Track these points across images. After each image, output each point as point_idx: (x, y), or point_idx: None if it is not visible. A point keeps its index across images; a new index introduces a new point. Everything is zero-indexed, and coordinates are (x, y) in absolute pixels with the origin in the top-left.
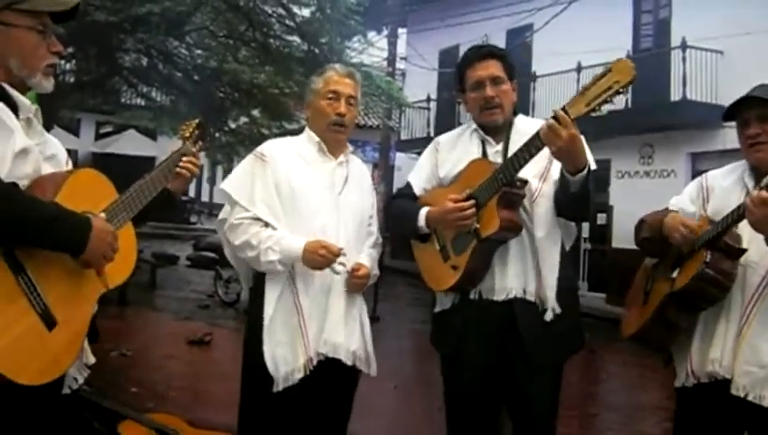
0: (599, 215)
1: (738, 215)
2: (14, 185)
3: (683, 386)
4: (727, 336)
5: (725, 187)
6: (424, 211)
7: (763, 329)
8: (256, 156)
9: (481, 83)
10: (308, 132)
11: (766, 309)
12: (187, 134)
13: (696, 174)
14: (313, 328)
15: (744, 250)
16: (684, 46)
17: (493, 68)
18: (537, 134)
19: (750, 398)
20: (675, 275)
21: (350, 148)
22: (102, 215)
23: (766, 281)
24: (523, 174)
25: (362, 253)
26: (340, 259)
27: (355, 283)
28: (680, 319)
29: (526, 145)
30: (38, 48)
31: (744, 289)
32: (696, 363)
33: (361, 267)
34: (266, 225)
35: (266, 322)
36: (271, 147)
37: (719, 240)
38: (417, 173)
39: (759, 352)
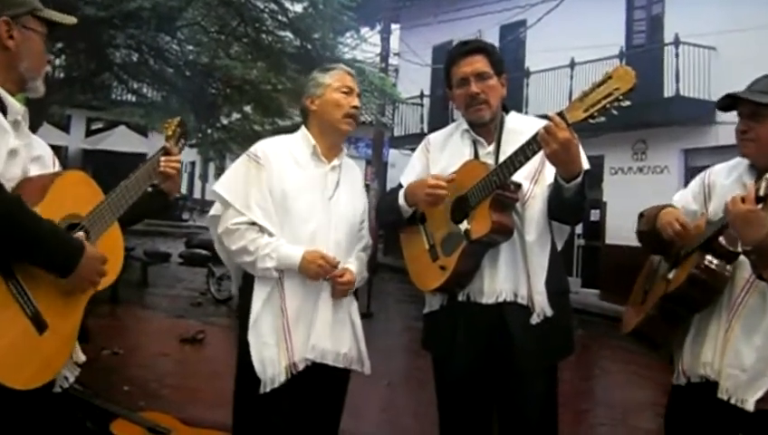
0: (592, 211)
1: None
2: (19, 199)
3: (677, 384)
4: (718, 338)
5: (726, 185)
6: (403, 189)
7: (744, 333)
8: (250, 157)
9: (466, 80)
10: (304, 132)
11: (748, 312)
12: (170, 132)
13: (688, 170)
14: (300, 333)
15: (739, 253)
16: (677, 42)
17: (478, 63)
18: (533, 138)
19: (732, 401)
20: (671, 276)
21: (345, 151)
22: (89, 238)
23: (749, 284)
24: (515, 176)
25: (351, 257)
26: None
27: (339, 289)
28: (675, 320)
29: (521, 149)
30: (43, 54)
31: (731, 292)
32: (687, 363)
33: (345, 273)
34: (261, 229)
35: (251, 321)
36: (265, 147)
37: (714, 242)
38: (409, 173)
39: (741, 355)
